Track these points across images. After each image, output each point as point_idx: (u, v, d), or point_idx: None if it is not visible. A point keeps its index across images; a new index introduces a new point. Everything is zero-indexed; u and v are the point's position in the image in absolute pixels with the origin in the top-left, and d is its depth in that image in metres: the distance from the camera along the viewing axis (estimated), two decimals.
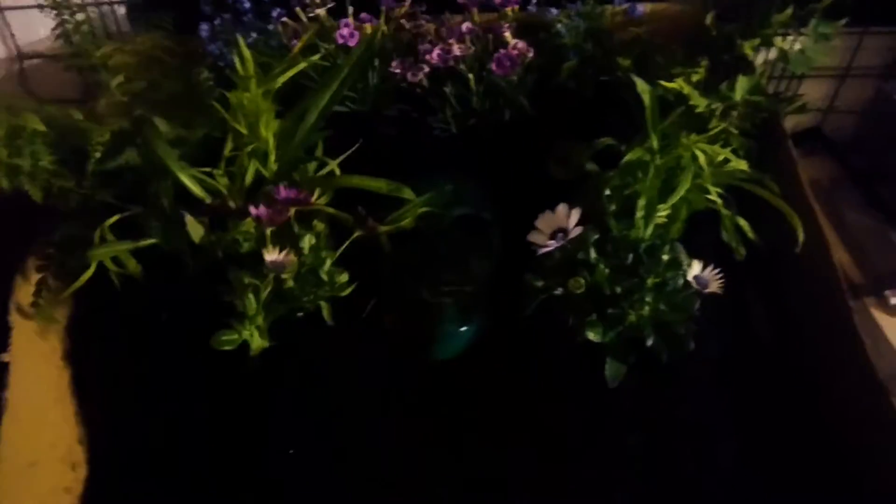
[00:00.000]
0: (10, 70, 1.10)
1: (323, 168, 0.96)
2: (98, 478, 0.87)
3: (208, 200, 0.91)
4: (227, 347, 0.83)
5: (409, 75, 1.01)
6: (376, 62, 1.02)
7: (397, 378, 0.90)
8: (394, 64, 1.02)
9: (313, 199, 0.89)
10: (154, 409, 0.89)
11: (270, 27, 1.03)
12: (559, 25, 1.04)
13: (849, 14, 1.01)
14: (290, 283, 0.85)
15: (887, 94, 1.21)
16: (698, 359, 0.84)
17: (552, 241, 0.81)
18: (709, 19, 1.04)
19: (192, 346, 0.84)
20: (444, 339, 0.90)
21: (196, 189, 0.91)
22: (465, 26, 1.02)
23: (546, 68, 1.04)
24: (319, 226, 0.90)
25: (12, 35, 1.07)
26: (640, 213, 0.85)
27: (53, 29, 1.02)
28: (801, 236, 0.89)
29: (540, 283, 0.83)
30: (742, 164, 0.93)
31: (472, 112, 1.04)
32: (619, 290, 0.81)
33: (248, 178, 0.93)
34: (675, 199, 0.88)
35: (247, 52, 0.91)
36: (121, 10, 1.09)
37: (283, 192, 0.86)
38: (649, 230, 0.85)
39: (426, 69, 1.00)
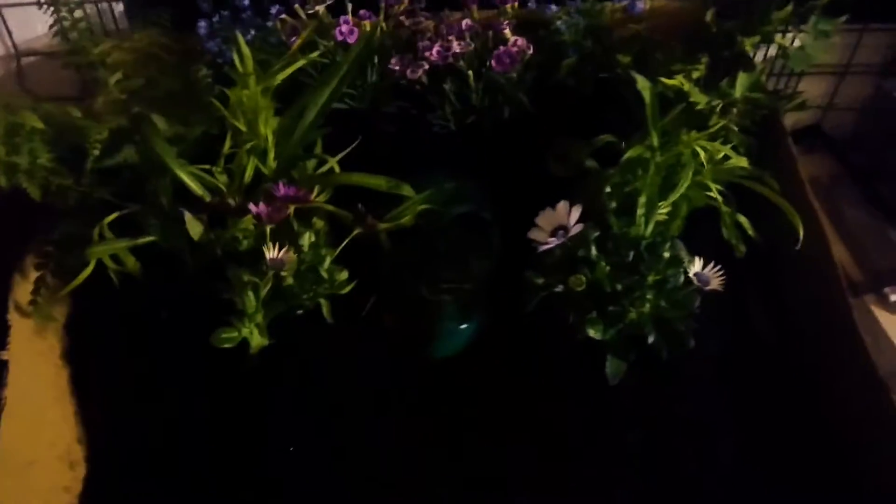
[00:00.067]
0: (8, 68, 1.09)
1: (322, 165, 0.96)
2: (97, 477, 0.87)
3: (207, 198, 0.91)
4: (226, 345, 0.82)
5: (408, 72, 1.00)
6: (375, 59, 1.02)
7: (397, 376, 0.90)
8: (393, 61, 1.01)
9: (312, 196, 0.89)
10: (153, 407, 0.89)
11: (269, 24, 1.03)
12: (559, 22, 1.03)
13: (848, 11, 1.01)
14: (290, 281, 0.84)
15: (886, 92, 1.21)
16: (698, 356, 0.84)
17: (553, 239, 0.81)
18: (709, 16, 1.04)
19: (192, 344, 0.84)
20: (444, 336, 0.90)
21: (195, 187, 0.91)
22: (465, 23, 1.02)
23: (545, 65, 1.04)
24: (319, 223, 0.89)
25: (9, 32, 1.06)
26: (640, 211, 0.85)
27: (51, 26, 1.01)
28: (801, 234, 0.88)
29: (540, 281, 0.83)
30: (742, 162, 0.93)
31: (471, 109, 1.03)
32: (619, 287, 0.81)
33: (248, 175, 0.92)
34: (675, 196, 0.87)
35: (246, 50, 0.91)
36: (119, 6, 1.08)
37: (283, 189, 0.86)
38: (650, 227, 0.84)
39: (425, 66, 1.00)
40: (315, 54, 1.00)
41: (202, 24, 1.02)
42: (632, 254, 0.83)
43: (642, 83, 0.90)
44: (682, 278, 0.82)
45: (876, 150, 1.24)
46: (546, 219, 0.83)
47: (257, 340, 0.85)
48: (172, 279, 0.89)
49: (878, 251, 1.12)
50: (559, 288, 0.82)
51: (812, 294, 0.94)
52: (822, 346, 0.91)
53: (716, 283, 0.82)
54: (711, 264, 0.83)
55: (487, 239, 0.95)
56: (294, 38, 1.01)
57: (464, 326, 0.90)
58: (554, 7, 1.04)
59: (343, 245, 0.89)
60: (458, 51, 0.99)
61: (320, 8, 1.01)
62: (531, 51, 1.00)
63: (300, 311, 0.87)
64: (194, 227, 0.87)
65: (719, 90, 0.97)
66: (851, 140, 1.28)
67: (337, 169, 0.95)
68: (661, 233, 0.85)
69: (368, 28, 1.01)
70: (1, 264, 0.94)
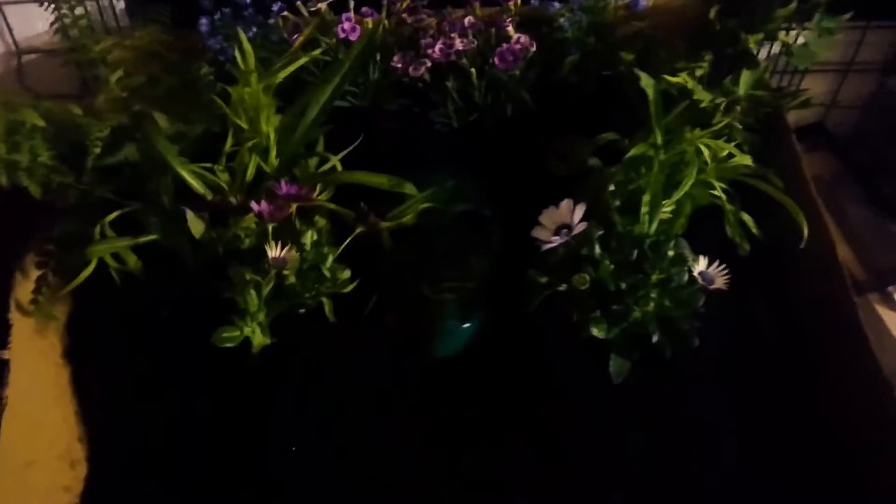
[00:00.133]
0: (9, 65, 1.09)
1: (324, 164, 0.95)
2: (97, 476, 0.86)
3: (209, 196, 0.90)
4: (228, 345, 0.82)
5: (410, 70, 1.00)
6: (378, 57, 1.02)
7: (398, 375, 0.90)
8: (395, 58, 1.01)
9: (315, 195, 0.89)
10: (154, 406, 0.89)
11: (271, 21, 1.02)
12: (561, 19, 1.03)
13: (852, 8, 1.00)
14: (292, 280, 0.84)
15: (890, 89, 1.21)
16: (701, 355, 0.83)
17: (556, 237, 0.81)
18: (712, 13, 1.04)
19: (193, 343, 0.84)
20: (446, 336, 0.90)
21: (197, 185, 0.90)
22: (468, 20, 1.01)
23: (548, 63, 1.03)
24: (321, 222, 0.89)
25: (10, 30, 1.06)
26: (644, 209, 0.84)
27: (52, 24, 1.01)
28: (805, 232, 0.88)
29: (544, 280, 0.83)
30: (746, 160, 0.92)
31: (473, 107, 1.03)
32: (623, 286, 0.81)
33: (249, 173, 0.92)
34: (679, 194, 0.87)
35: (248, 47, 0.91)
36: (120, 4, 1.08)
37: (285, 187, 0.86)
38: (654, 226, 0.84)
39: (428, 64, 0.99)
40: (317, 52, 0.99)
41: (203, 21, 1.01)
42: (636, 252, 0.82)
43: (646, 81, 0.90)
44: (686, 277, 0.82)
45: (879, 147, 1.24)
46: (549, 217, 0.83)
47: (259, 339, 0.84)
48: (174, 278, 0.89)
49: (881, 249, 1.12)
50: (562, 287, 0.82)
51: (816, 293, 0.93)
52: (825, 346, 0.91)
53: (720, 281, 0.81)
54: (716, 263, 0.83)
55: (489, 237, 0.95)
56: (296, 36, 1.00)
57: (466, 326, 0.90)
58: (557, 4, 1.04)
59: (345, 244, 0.88)
60: (460, 48, 0.99)
61: (322, 5, 1.01)
62: (534, 48, 1.00)
63: (302, 311, 0.87)
64: (196, 226, 0.87)
65: (723, 88, 0.97)
66: (854, 138, 1.28)
67: (339, 167, 0.95)
68: (664, 231, 0.85)
69: (370, 25, 1.00)
70: (2, 263, 0.93)
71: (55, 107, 0.93)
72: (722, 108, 0.96)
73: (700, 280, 0.81)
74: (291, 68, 0.95)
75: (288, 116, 0.94)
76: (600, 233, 0.83)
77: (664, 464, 0.84)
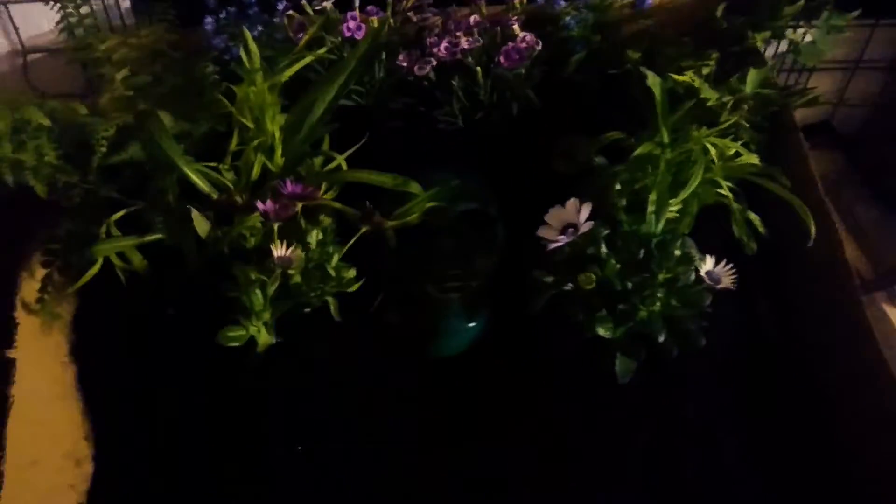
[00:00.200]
0: (14, 64, 1.09)
1: (329, 162, 0.95)
2: (103, 474, 0.86)
3: (214, 195, 0.90)
4: (233, 344, 0.82)
5: (415, 69, 1.00)
6: (383, 55, 1.01)
7: (402, 374, 0.90)
8: (400, 57, 1.01)
9: (320, 193, 0.89)
10: (159, 405, 0.89)
11: (276, 20, 1.02)
12: (567, 18, 1.03)
13: (860, 6, 1.00)
14: (297, 279, 0.84)
15: None
16: (704, 356, 0.83)
17: (562, 237, 0.80)
18: (719, 11, 1.03)
19: (198, 341, 0.84)
20: (450, 335, 0.90)
21: (202, 184, 0.90)
22: (473, 19, 1.01)
23: (553, 61, 1.03)
24: (326, 221, 0.89)
25: (16, 29, 1.06)
26: (651, 208, 0.84)
27: (58, 23, 1.01)
28: (812, 231, 0.88)
29: (549, 279, 0.82)
30: (753, 158, 0.92)
31: (479, 105, 1.03)
32: (629, 285, 0.81)
33: (255, 172, 0.92)
34: (686, 193, 0.87)
35: (253, 46, 0.90)
36: (125, 3, 1.08)
37: (290, 186, 0.86)
38: (660, 225, 0.84)
39: (433, 62, 0.99)
40: (322, 51, 0.99)
41: (208, 20, 1.01)
42: (642, 251, 0.82)
43: (652, 79, 0.89)
44: (692, 276, 0.81)
45: (886, 146, 1.23)
46: (555, 216, 0.83)
47: (264, 339, 0.84)
48: (179, 277, 0.89)
49: (888, 248, 1.11)
50: (568, 286, 0.81)
51: (823, 292, 0.93)
52: (831, 346, 0.90)
53: (727, 281, 0.81)
54: (723, 262, 0.82)
55: (494, 236, 0.95)
56: (301, 35, 1.00)
57: (470, 325, 0.89)
58: (562, 2, 1.03)
59: (350, 243, 0.88)
60: (465, 47, 0.98)
61: (327, 4, 1.01)
62: (539, 47, 0.99)
63: (307, 310, 0.87)
64: (201, 225, 0.87)
65: (729, 86, 0.96)
66: (861, 136, 1.27)
67: (344, 166, 0.94)
68: (671, 230, 0.85)
69: (376, 24, 1.00)
70: (7, 262, 0.93)
71: (60, 106, 0.93)
72: (729, 106, 0.95)
73: (707, 280, 0.80)
74: (296, 67, 0.94)
75: (293, 115, 0.94)
76: (606, 232, 0.83)
77: (666, 464, 0.84)
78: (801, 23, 1.03)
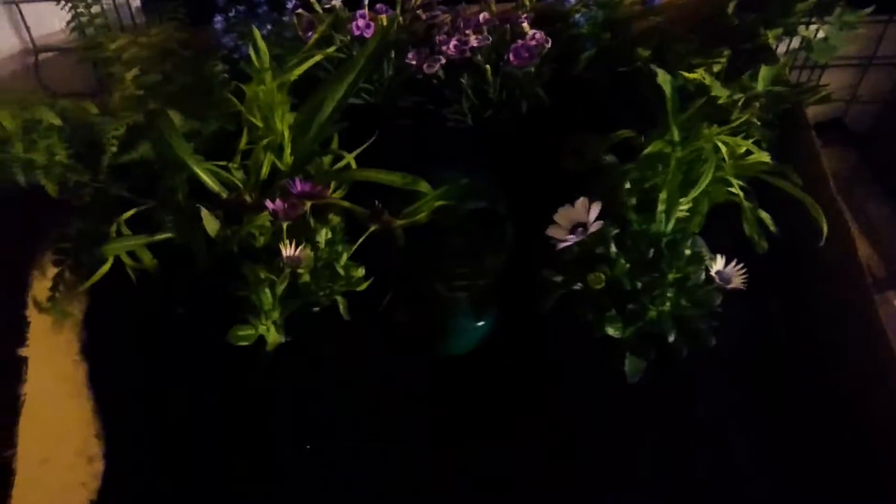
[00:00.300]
0: (26, 63, 1.09)
1: (338, 161, 0.95)
2: (114, 472, 0.87)
3: (224, 194, 0.90)
4: (243, 343, 0.82)
5: (425, 67, 1.00)
6: (392, 54, 1.01)
7: (410, 373, 0.90)
8: (410, 55, 1.01)
9: (329, 192, 0.89)
10: (169, 403, 0.89)
11: (285, 19, 1.02)
12: (577, 15, 1.02)
13: (874, 2, 0.99)
14: (306, 278, 0.84)
15: None
16: (714, 355, 0.83)
17: (571, 236, 0.80)
18: (730, 8, 1.03)
19: (207, 340, 0.84)
20: (458, 334, 0.90)
21: (211, 183, 0.90)
22: (482, 17, 1.01)
23: (563, 59, 1.02)
24: (335, 219, 0.89)
25: (28, 28, 1.07)
26: (661, 207, 0.84)
27: (68, 22, 1.01)
28: (824, 230, 0.87)
29: (558, 279, 0.82)
30: (764, 156, 0.91)
31: (488, 104, 1.02)
32: (639, 285, 0.80)
33: (264, 171, 0.92)
34: (696, 192, 0.86)
35: (262, 45, 0.90)
36: (135, 1, 1.08)
37: (299, 185, 0.86)
38: (670, 224, 0.83)
39: (442, 60, 0.99)
40: (331, 49, 0.99)
41: (218, 18, 1.01)
42: (652, 251, 0.82)
43: (662, 77, 0.89)
44: (703, 276, 0.81)
45: None
46: (564, 215, 0.82)
47: (273, 338, 0.85)
48: (188, 276, 0.89)
49: None
50: (577, 286, 0.81)
51: (835, 291, 0.92)
52: (843, 345, 0.90)
53: (737, 281, 0.80)
54: (734, 262, 0.82)
55: (503, 235, 0.94)
56: (310, 33, 1.00)
57: (479, 324, 0.89)
58: (572, 0, 1.03)
59: (359, 242, 0.88)
60: (475, 45, 0.98)
61: (336, 2, 1.01)
62: (549, 44, 0.99)
63: (316, 309, 0.87)
64: (211, 224, 0.87)
65: (741, 83, 0.95)
66: (874, 133, 1.26)
67: (353, 165, 0.94)
68: (681, 229, 0.84)
69: (385, 22, 1.00)
70: (19, 261, 0.94)
71: (71, 105, 0.93)
72: (740, 104, 0.94)
73: (717, 279, 0.80)
74: (306, 66, 0.94)
75: (302, 114, 0.94)
76: (616, 231, 0.82)
77: (676, 464, 0.84)
78: (814, 19, 1.02)
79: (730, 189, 0.90)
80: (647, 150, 0.88)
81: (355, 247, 0.88)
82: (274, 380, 0.87)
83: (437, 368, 0.90)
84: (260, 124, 0.91)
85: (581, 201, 0.82)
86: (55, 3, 1.00)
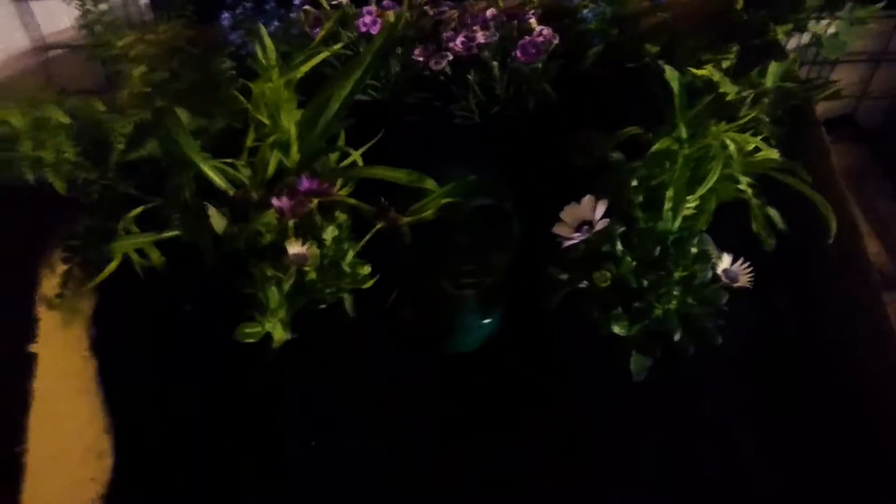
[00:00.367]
0: (36, 60, 1.10)
1: (345, 158, 0.95)
2: (123, 467, 0.87)
3: (230, 192, 0.91)
4: (249, 340, 0.83)
5: (432, 63, 0.99)
6: (399, 50, 1.01)
7: (416, 371, 0.90)
8: (416, 52, 1.00)
9: (335, 189, 0.89)
10: (176, 400, 0.89)
11: (292, 15, 1.02)
12: (585, 11, 1.02)
13: None
14: (312, 276, 0.84)
15: None
16: (721, 353, 0.82)
17: (577, 234, 0.80)
18: (739, 4, 1.02)
19: (214, 337, 0.84)
20: (464, 331, 0.90)
21: (218, 180, 0.91)
22: (490, 13, 1.01)
23: (570, 55, 1.02)
24: (341, 217, 0.89)
25: (38, 25, 1.07)
26: (668, 205, 0.83)
27: (77, 19, 1.02)
28: (833, 227, 0.86)
29: (564, 277, 0.82)
30: (773, 154, 0.91)
31: (495, 100, 1.02)
32: (645, 283, 0.80)
33: (271, 169, 0.92)
34: (703, 189, 0.86)
35: (269, 42, 0.90)
36: None
37: (306, 183, 0.86)
38: (677, 222, 0.83)
39: (449, 57, 0.99)
40: (338, 46, 0.99)
41: (225, 15, 1.01)
42: (658, 249, 0.81)
43: (670, 73, 0.88)
44: (709, 274, 0.80)
45: None
46: (570, 213, 0.82)
47: (280, 335, 0.85)
48: (196, 273, 0.89)
49: None
50: (583, 284, 0.81)
51: (843, 289, 0.92)
52: (851, 344, 0.89)
53: (744, 279, 0.80)
54: (741, 260, 0.82)
55: (510, 232, 0.94)
56: (317, 30, 1.00)
57: (485, 321, 0.89)
58: None
59: (365, 239, 0.88)
60: (482, 41, 0.98)
61: None
62: (556, 40, 0.98)
63: (322, 306, 0.87)
64: (218, 221, 0.87)
65: (750, 80, 0.95)
66: (885, 130, 1.25)
67: (360, 162, 0.95)
68: (688, 227, 0.84)
69: (392, 18, 1.00)
70: (28, 259, 0.95)
71: (79, 103, 0.94)
72: (748, 100, 0.94)
73: (724, 278, 0.80)
74: (312, 63, 0.95)
75: (309, 111, 0.94)
76: (622, 229, 0.82)
77: (682, 463, 0.83)
78: (824, 14, 1.01)
79: (738, 186, 0.89)
80: (654, 148, 0.87)
81: (361, 244, 0.88)
82: (280, 377, 0.87)
83: (443, 366, 0.90)
84: (267, 122, 0.91)
85: (587, 199, 0.81)
86: (64, 0, 1.01)
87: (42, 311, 0.93)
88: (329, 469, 0.85)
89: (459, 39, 0.98)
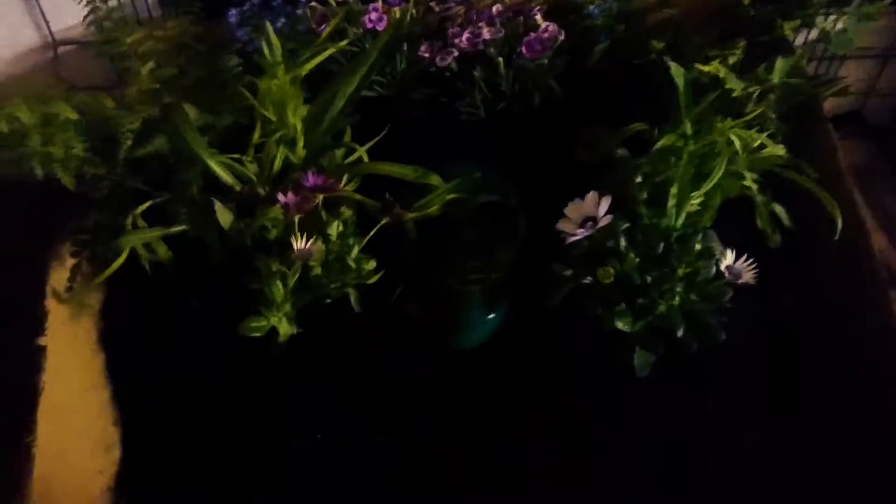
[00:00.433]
0: (45, 57, 1.11)
1: (351, 154, 0.95)
2: (130, 460, 0.88)
3: (237, 187, 0.91)
4: (255, 334, 0.83)
5: (437, 59, 1.00)
6: (405, 46, 1.01)
7: (420, 366, 0.90)
8: (422, 48, 1.01)
9: (341, 185, 0.89)
10: (183, 394, 0.90)
11: (299, 11, 1.02)
12: (591, 7, 1.02)
13: None
14: (318, 271, 0.85)
15: None
16: (725, 350, 0.82)
17: (581, 230, 0.80)
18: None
19: (221, 332, 0.85)
20: (469, 327, 0.90)
21: (225, 176, 0.91)
22: (495, 9, 1.01)
23: (576, 51, 1.02)
24: (347, 212, 0.89)
25: (47, 22, 1.08)
26: (671, 202, 0.83)
27: (86, 16, 1.02)
28: (839, 224, 0.86)
29: (568, 273, 0.82)
30: (779, 150, 0.90)
31: (500, 96, 1.02)
32: (648, 279, 0.80)
33: (277, 164, 0.92)
34: (708, 186, 0.85)
35: (275, 39, 0.91)
36: None
37: (311, 179, 0.86)
38: (681, 218, 0.83)
39: (455, 53, 0.99)
40: (344, 42, 0.99)
41: (232, 12, 1.02)
42: (662, 245, 0.81)
43: (675, 70, 0.88)
44: (713, 271, 0.80)
45: None
46: (574, 209, 0.82)
47: (285, 329, 0.85)
48: (202, 268, 0.90)
49: None
50: (587, 280, 0.81)
51: (849, 286, 0.91)
52: (856, 341, 0.89)
53: (748, 276, 0.80)
54: (744, 257, 0.82)
55: (515, 228, 0.94)
56: (323, 26, 1.00)
57: (489, 317, 0.90)
58: None
59: (370, 235, 0.89)
60: (487, 37, 0.98)
61: None
62: (562, 37, 0.98)
63: (328, 301, 0.87)
64: (224, 217, 0.88)
65: (756, 76, 0.94)
66: (893, 126, 1.24)
67: (365, 158, 0.95)
68: (692, 224, 0.84)
69: (397, 15, 1.00)
70: (37, 253, 0.96)
71: (88, 99, 0.94)
72: (755, 96, 0.93)
73: (727, 274, 0.79)
74: (318, 59, 0.95)
75: (315, 107, 0.94)
76: (626, 225, 0.82)
77: (685, 459, 0.83)
78: (832, 10, 1.01)
79: (743, 183, 0.89)
80: (659, 144, 0.87)
81: (366, 239, 0.88)
82: (285, 372, 0.88)
83: (448, 361, 0.91)
84: (273, 118, 0.92)
85: (591, 195, 0.82)
86: None
87: (51, 305, 0.93)
88: (333, 464, 0.85)
89: (465, 36, 0.99)
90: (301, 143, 0.93)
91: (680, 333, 0.79)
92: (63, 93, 0.96)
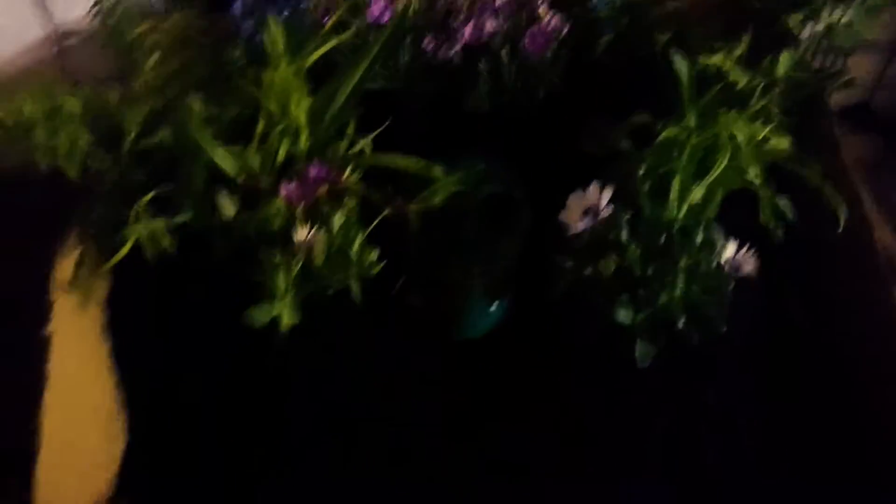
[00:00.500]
0: (50, 49, 1.11)
1: (354, 146, 0.96)
2: (134, 451, 0.89)
3: (241, 179, 0.91)
4: (259, 322, 0.83)
5: (441, 52, 1.00)
6: (408, 39, 1.01)
7: (423, 358, 0.91)
8: (426, 40, 1.01)
9: (344, 177, 0.89)
10: (185, 385, 0.91)
11: (302, 4, 1.02)
12: None
13: None
14: (320, 262, 0.85)
15: None
16: (727, 343, 0.82)
17: (582, 222, 0.80)
18: None
19: (223, 323, 0.85)
20: (471, 318, 0.90)
21: (229, 167, 0.91)
22: (499, 1, 1.00)
23: (580, 44, 1.02)
24: (350, 204, 0.90)
25: (52, 15, 1.08)
26: (674, 194, 0.83)
27: (91, 8, 1.03)
28: (843, 217, 0.86)
29: (569, 264, 0.82)
30: (783, 143, 0.90)
31: (504, 89, 1.02)
32: (650, 271, 0.80)
33: (280, 156, 0.93)
34: (710, 179, 0.85)
35: (278, 31, 0.91)
36: None
37: (314, 170, 0.86)
38: (683, 211, 0.83)
39: (459, 46, 0.99)
40: (348, 34, 0.99)
41: (237, 4, 1.02)
42: (664, 237, 0.81)
43: (679, 62, 0.88)
44: (714, 263, 0.80)
45: None
46: (576, 201, 0.82)
47: (288, 318, 0.86)
48: (206, 260, 0.90)
49: None
50: (588, 271, 0.81)
51: (853, 280, 0.91)
52: (859, 336, 0.89)
53: (749, 268, 0.80)
54: (745, 248, 0.81)
55: (518, 220, 0.95)
56: (327, 18, 1.00)
57: (492, 309, 0.90)
58: None
59: (373, 226, 0.89)
60: (491, 30, 0.98)
61: None
62: (566, 29, 0.98)
63: (330, 292, 0.88)
64: (227, 208, 0.88)
65: (761, 69, 0.94)
66: None
67: (368, 150, 0.95)
68: (694, 216, 0.84)
69: (401, 7, 1.00)
70: (43, 243, 0.96)
71: (93, 92, 0.95)
72: (759, 89, 0.93)
73: (728, 267, 0.79)
74: (321, 51, 0.95)
75: (319, 99, 0.95)
76: (628, 217, 0.82)
77: (686, 450, 0.83)
78: (838, 3, 1.00)
79: (746, 176, 0.89)
80: (661, 136, 0.87)
81: (368, 230, 0.88)
82: (288, 363, 0.88)
83: (450, 352, 0.91)
84: (276, 110, 0.92)
85: (593, 186, 0.82)
86: None
87: (57, 295, 0.94)
88: (336, 454, 0.86)
89: (469, 28, 0.99)
90: (305, 134, 0.94)
91: (681, 325, 0.79)
92: (68, 86, 0.97)
